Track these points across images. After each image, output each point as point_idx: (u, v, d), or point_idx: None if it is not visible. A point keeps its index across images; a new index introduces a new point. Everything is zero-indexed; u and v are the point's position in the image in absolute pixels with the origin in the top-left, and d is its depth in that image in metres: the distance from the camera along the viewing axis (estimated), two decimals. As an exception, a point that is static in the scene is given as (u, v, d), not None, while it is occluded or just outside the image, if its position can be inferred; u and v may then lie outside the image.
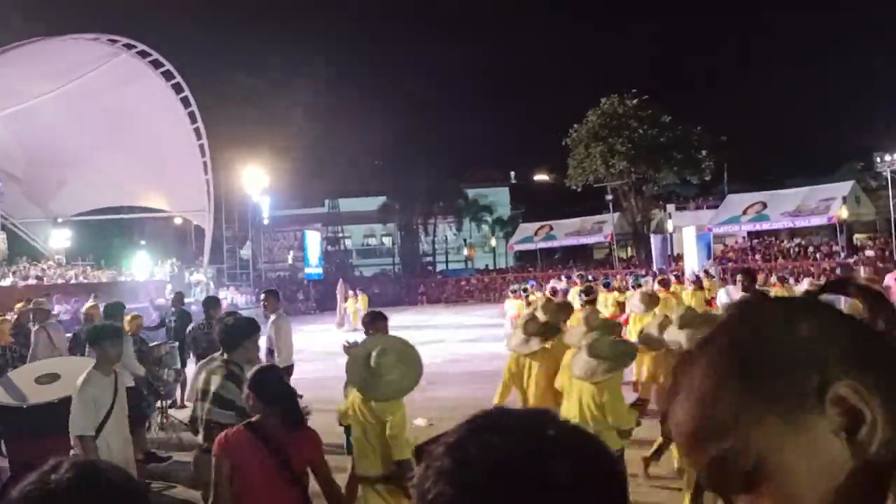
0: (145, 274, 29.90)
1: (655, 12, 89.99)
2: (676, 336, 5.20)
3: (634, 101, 39.68)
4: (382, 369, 4.08)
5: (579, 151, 40.57)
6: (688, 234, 32.49)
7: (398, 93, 79.22)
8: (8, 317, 10.50)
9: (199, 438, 4.25)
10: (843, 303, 0.76)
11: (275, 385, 3.34)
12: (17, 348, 8.34)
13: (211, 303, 9.57)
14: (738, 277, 8.33)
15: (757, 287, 8.60)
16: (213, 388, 4.14)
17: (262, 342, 8.75)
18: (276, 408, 3.24)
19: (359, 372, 4.17)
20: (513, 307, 15.82)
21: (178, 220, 37.13)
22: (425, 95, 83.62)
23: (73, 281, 26.25)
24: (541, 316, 5.69)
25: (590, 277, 21.02)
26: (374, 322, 5.51)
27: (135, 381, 7.16)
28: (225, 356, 4.23)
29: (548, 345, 5.51)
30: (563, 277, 20.60)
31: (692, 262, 28.95)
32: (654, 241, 35.79)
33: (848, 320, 0.71)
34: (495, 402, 5.67)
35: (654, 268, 29.85)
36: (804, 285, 12.57)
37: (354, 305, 24.85)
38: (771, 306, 0.76)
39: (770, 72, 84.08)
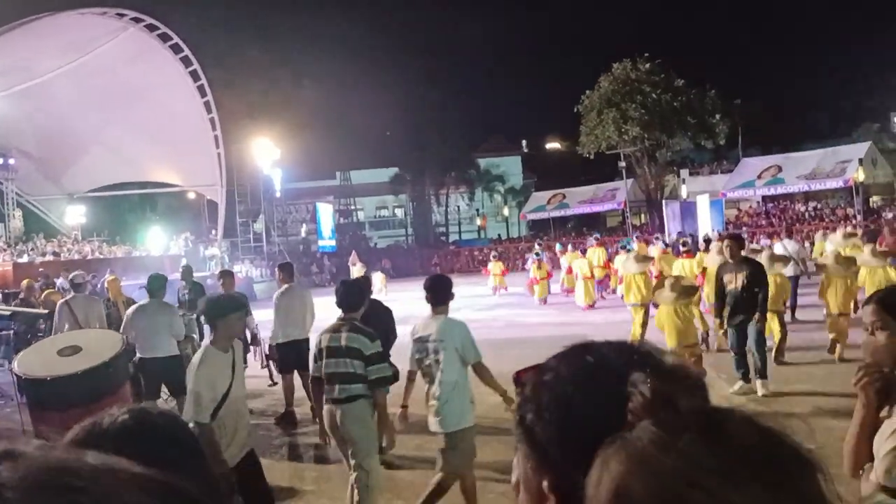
0: (160, 249, 30.09)
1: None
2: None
3: (647, 66, 39.12)
4: None
5: (591, 118, 40.15)
6: (701, 201, 32.29)
7: (409, 63, 78.50)
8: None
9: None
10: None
11: None
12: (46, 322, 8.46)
13: (225, 275, 9.63)
14: (725, 244, 8.08)
15: (744, 253, 8.24)
16: None
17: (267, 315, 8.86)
18: None
19: None
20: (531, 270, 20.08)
21: (191, 195, 37.24)
22: (436, 65, 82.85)
23: (89, 257, 26.48)
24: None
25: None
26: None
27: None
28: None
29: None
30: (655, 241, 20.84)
31: (706, 228, 28.80)
32: (669, 208, 35.48)
33: None
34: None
35: (668, 236, 29.55)
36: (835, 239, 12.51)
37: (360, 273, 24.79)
38: None
39: (784, 34, 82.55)
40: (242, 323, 4.66)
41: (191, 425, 4.08)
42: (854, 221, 31.15)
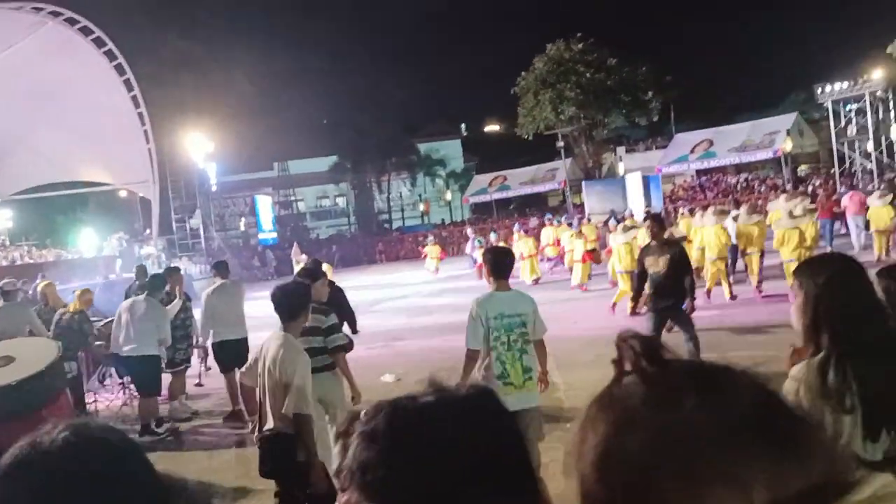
0: (93, 250, 29.13)
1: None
2: None
3: (580, 46, 39.57)
4: None
5: (528, 99, 40.45)
6: (631, 179, 32.82)
7: (343, 49, 77.62)
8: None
9: None
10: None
11: None
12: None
13: (172, 272, 9.40)
14: (647, 223, 7.84)
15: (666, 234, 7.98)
16: None
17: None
18: None
19: None
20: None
21: (123, 193, 36.09)
22: (371, 50, 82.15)
23: (18, 262, 25.45)
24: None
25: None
26: None
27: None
28: None
29: None
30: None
31: (638, 205, 29.03)
32: (589, 187, 35.58)
33: None
34: None
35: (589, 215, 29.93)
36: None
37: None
38: None
39: (712, 8, 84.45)
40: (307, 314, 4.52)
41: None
42: (785, 190, 32.19)
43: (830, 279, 2.13)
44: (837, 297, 2.09)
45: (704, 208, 15.31)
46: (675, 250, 7.44)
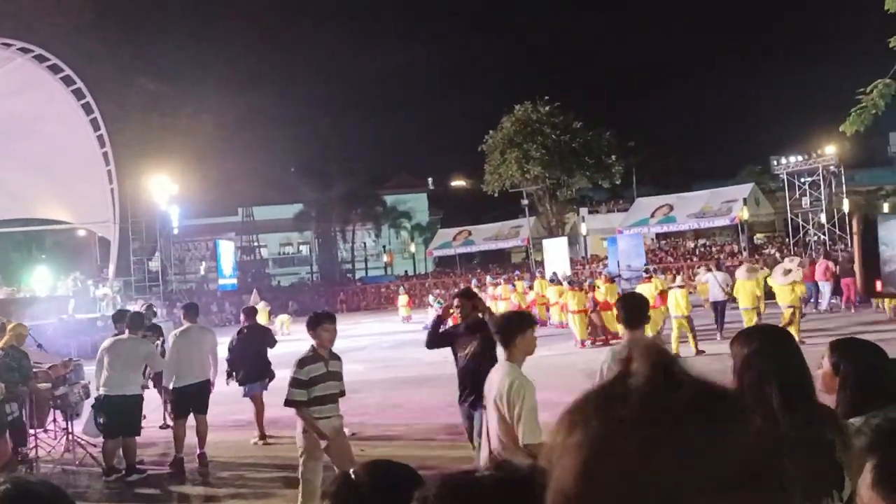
0: (46, 289, 28.39)
1: (569, 26, 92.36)
2: None
3: (547, 108, 40.56)
4: None
5: (495, 157, 41.14)
6: (550, 245, 33.99)
7: (312, 98, 78.27)
8: None
9: None
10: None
11: None
12: None
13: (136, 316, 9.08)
14: (455, 303, 6.28)
15: (481, 315, 6.02)
16: None
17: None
18: None
19: None
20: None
21: (81, 232, 35.41)
22: (340, 101, 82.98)
23: (-34, 298, 24.64)
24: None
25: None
26: None
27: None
28: None
29: None
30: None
31: (560, 268, 28.93)
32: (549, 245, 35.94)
33: None
34: None
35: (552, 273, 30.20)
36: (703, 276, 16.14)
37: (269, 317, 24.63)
38: None
39: (674, 81, 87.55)
40: (535, 340, 4.14)
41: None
42: (741, 257, 32.99)
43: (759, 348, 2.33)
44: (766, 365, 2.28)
45: (673, 271, 17.32)
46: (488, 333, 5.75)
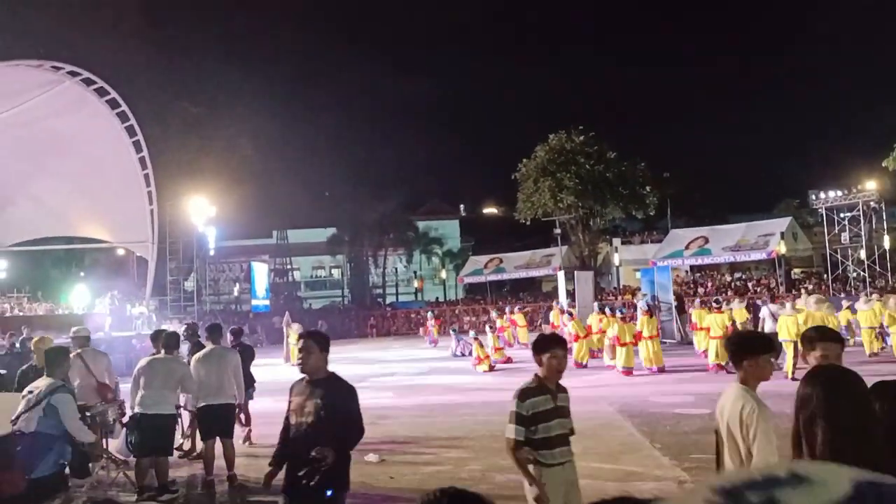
0: (84, 307, 28.95)
1: (605, 56, 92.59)
2: None
3: (581, 138, 40.50)
4: None
5: (528, 186, 41.11)
6: (581, 277, 32.44)
7: (349, 124, 79.36)
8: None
9: None
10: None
11: None
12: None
13: (213, 330, 9.04)
14: (300, 345, 4.74)
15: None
16: None
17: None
18: None
19: None
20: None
21: (120, 251, 36.15)
22: (376, 127, 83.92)
23: (7, 314, 25.26)
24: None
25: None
26: None
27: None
28: None
29: None
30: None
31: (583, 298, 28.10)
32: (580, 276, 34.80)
33: None
34: None
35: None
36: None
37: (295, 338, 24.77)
38: None
39: (710, 112, 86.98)
40: (771, 366, 3.86)
41: None
42: (778, 292, 32.38)
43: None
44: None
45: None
46: (334, 389, 4.69)
